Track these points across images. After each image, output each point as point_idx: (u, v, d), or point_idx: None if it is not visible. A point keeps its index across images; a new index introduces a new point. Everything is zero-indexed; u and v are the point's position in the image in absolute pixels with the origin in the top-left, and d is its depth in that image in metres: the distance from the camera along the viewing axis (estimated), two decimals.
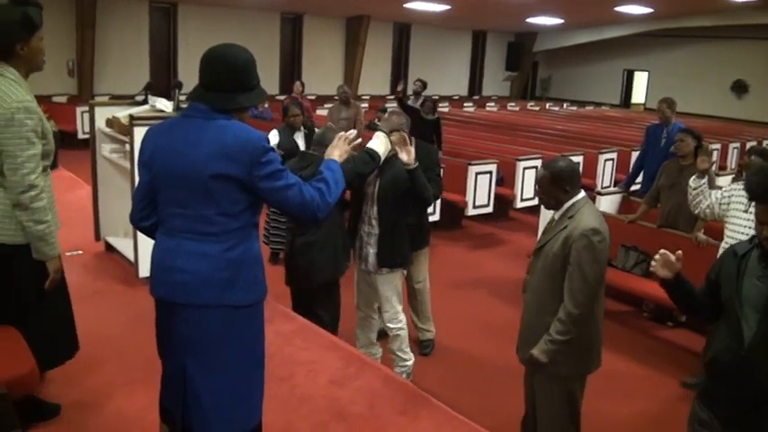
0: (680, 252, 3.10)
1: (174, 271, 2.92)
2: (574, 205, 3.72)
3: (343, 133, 3.43)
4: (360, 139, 3.52)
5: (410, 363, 5.38)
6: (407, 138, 4.82)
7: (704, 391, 3.10)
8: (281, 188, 2.88)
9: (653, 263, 3.13)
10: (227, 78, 2.89)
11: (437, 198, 6.00)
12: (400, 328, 5.27)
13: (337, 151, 3.32)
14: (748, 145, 15.14)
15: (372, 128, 12.98)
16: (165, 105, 6.19)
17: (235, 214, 2.88)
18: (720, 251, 5.20)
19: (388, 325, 5.27)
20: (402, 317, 5.29)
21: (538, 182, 3.85)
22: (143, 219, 3.09)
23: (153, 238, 3.10)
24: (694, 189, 5.63)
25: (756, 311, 2.80)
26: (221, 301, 2.91)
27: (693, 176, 5.69)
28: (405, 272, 5.40)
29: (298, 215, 3.02)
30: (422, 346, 6.06)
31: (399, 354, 5.31)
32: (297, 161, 5.19)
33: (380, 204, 5.00)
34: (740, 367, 2.83)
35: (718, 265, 3.09)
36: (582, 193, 3.78)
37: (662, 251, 3.10)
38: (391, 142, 4.79)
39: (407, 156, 4.76)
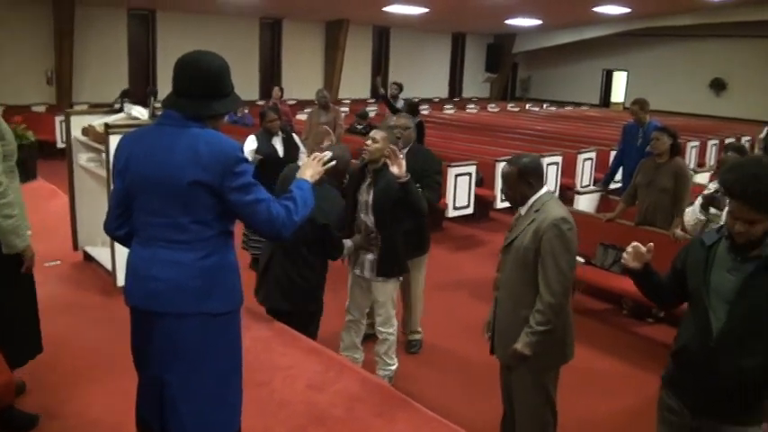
0: (651, 244, 3.14)
1: (150, 279, 2.92)
2: (539, 199, 3.80)
3: (317, 153, 3.42)
4: (334, 162, 3.50)
5: (394, 368, 5.42)
6: (397, 151, 4.89)
7: (671, 380, 3.15)
8: (251, 202, 2.88)
9: (625, 255, 3.17)
10: (201, 85, 2.89)
11: (433, 204, 6.07)
12: (391, 333, 5.31)
13: (309, 171, 3.31)
14: (727, 142, 15.27)
15: (354, 131, 13.00)
16: (140, 113, 6.18)
17: (209, 222, 2.88)
18: None
19: (380, 328, 5.31)
20: (395, 322, 5.34)
21: (503, 177, 3.92)
22: (118, 227, 3.09)
23: (128, 246, 3.09)
24: (699, 219, 5.64)
25: (726, 303, 2.84)
26: (197, 310, 2.91)
27: (699, 206, 5.65)
28: (401, 278, 5.44)
29: (263, 231, 3.03)
30: (409, 345, 6.12)
31: (384, 357, 5.36)
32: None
33: (376, 213, 5.06)
34: (708, 358, 2.87)
35: (683, 253, 3.13)
36: (545, 188, 3.85)
37: (634, 243, 3.14)
38: (373, 149, 4.93)
39: (398, 169, 4.83)
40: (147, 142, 2.92)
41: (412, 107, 10.65)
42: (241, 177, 2.85)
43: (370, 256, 5.16)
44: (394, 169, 4.84)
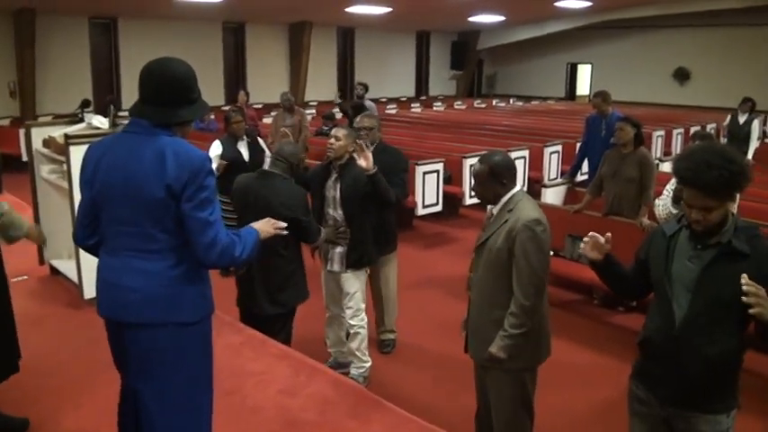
0: (609, 234, 3.16)
1: (120, 289, 2.91)
2: (512, 198, 3.74)
3: (272, 220, 3.40)
4: (286, 232, 3.49)
5: (367, 365, 5.47)
6: (364, 145, 5.01)
7: (639, 371, 3.16)
8: (201, 220, 2.83)
9: (581, 245, 3.17)
10: (167, 92, 2.89)
11: (401, 200, 6.13)
12: (361, 327, 5.39)
13: (260, 226, 3.28)
14: (692, 130, 15.38)
15: (321, 134, 12.98)
16: (101, 122, 6.11)
17: (177, 231, 2.86)
18: None
19: (350, 321, 5.39)
20: (364, 315, 5.42)
21: (475, 176, 3.86)
22: (87, 237, 3.08)
23: (98, 256, 3.08)
24: (672, 213, 5.58)
25: (688, 291, 2.85)
26: (167, 319, 2.90)
27: (671, 200, 5.61)
28: (368, 270, 5.54)
29: (199, 251, 2.89)
30: (382, 345, 6.14)
31: (358, 354, 5.42)
32: (259, 179, 5.07)
33: (345, 207, 5.18)
34: (672, 347, 2.89)
35: (646, 244, 3.15)
36: (518, 187, 3.81)
37: (591, 233, 3.16)
38: (337, 147, 5.09)
39: (366, 162, 4.96)
40: (115, 151, 2.90)
41: (356, 108, 10.75)
42: (203, 191, 2.82)
43: (339, 250, 5.28)
44: (361, 162, 4.97)
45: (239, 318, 5.40)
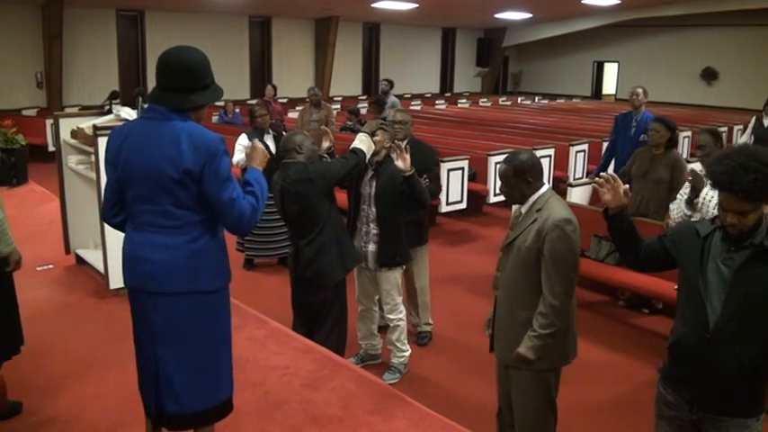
0: (627, 186, 3.17)
1: (143, 262, 3.14)
2: (540, 198, 3.70)
3: (256, 141, 3.60)
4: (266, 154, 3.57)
5: (407, 354, 5.56)
6: (402, 145, 5.02)
7: (669, 374, 3.12)
8: (225, 200, 3.07)
9: (597, 179, 3.18)
10: (181, 79, 3.08)
11: (435, 196, 6.27)
12: (400, 319, 5.46)
13: (257, 161, 3.42)
14: (719, 131, 15.23)
15: (345, 128, 12.98)
16: (129, 114, 6.15)
17: (195, 208, 3.09)
18: None
19: (389, 316, 5.45)
20: (402, 308, 5.48)
21: (500, 176, 3.82)
22: (114, 215, 3.30)
23: (124, 232, 3.31)
24: (686, 214, 5.50)
25: (721, 293, 2.83)
26: (188, 288, 3.14)
27: (684, 202, 5.52)
28: (404, 267, 5.56)
29: (229, 227, 3.20)
30: (419, 337, 6.18)
31: (398, 344, 5.49)
32: (280, 174, 5.10)
33: (378, 205, 5.20)
34: (705, 350, 2.86)
35: (676, 237, 3.10)
36: (546, 186, 3.76)
37: (611, 173, 3.16)
38: (374, 142, 5.13)
39: (403, 163, 4.96)
40: (135, 135, 3.12)
41: (377, 104, 10.83)
42: (220, 171, 3.04)
43: (371, 248, 5.29)
44: (399, 163, 4.97)
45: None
